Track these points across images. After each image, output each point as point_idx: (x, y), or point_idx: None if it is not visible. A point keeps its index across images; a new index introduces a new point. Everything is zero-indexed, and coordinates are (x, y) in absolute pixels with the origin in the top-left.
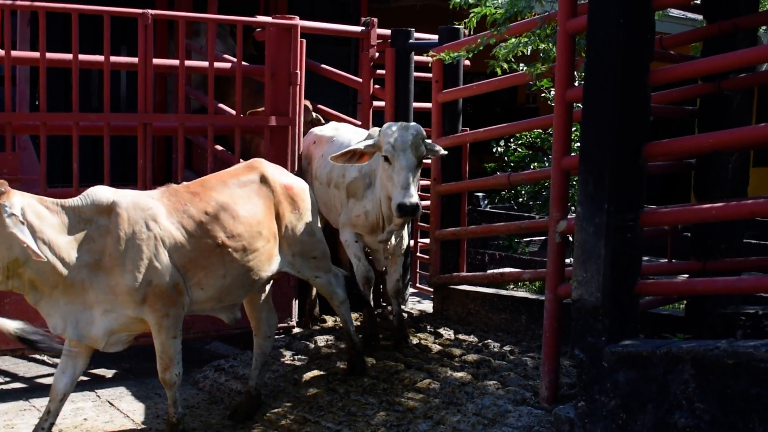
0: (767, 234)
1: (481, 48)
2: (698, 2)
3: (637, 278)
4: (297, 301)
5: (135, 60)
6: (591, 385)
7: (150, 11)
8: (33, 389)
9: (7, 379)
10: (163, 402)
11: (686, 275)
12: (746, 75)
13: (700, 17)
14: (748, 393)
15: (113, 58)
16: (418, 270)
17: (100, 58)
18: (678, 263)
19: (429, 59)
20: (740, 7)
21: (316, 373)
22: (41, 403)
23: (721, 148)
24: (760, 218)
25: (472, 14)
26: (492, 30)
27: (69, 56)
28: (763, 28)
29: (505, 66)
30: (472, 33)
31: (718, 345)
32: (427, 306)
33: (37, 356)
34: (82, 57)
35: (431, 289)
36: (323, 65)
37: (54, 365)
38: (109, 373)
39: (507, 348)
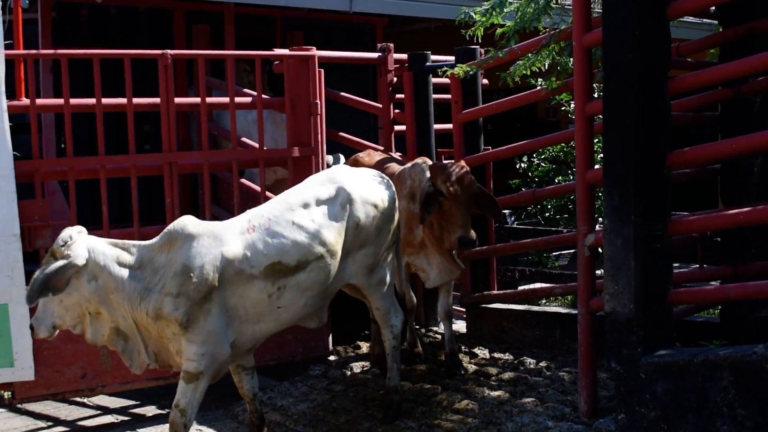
0: None
1: (491, 62)
2: (713, 9)
3: (668, 287)
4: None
5: (157, 100)
6: (630, 397)
7: (169, 51)
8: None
9: (50, 423)
10: None
11: (718, 281)
12: (766, 78)
13: (716, 21)
14: None
15: (136, 100)
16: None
17: (123, 100)
18: (709, 269)
19: (447, 80)
20: (756, 10)
21: (353, 400)
22: None
23: (744, 153)
24: None
25: (478, 23)
26: (502, 42)
27: (92, 101)
28: None
29: (518, 79)
30: (479, 44)
31: (756, 350)
32: (461, 326)
33: (78, 399)
34: (105, 101)
35: (463, 309)
36: (342, 93)
37: (93, 406)
38: (149, 411)
39: (543, 364)
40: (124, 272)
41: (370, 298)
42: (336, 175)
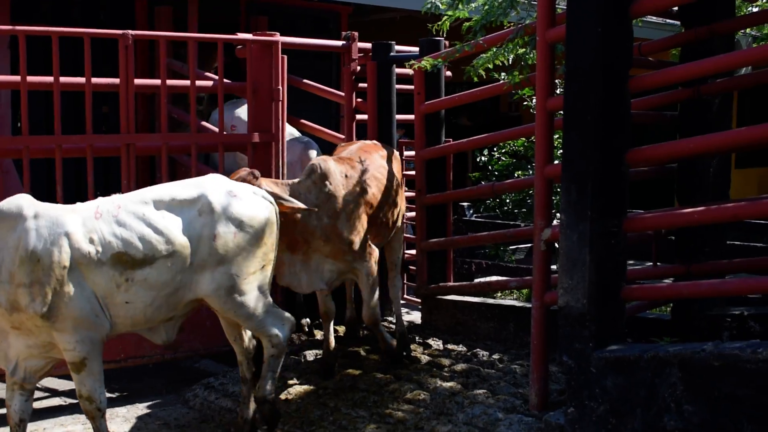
0: (751, 235)
1: (457, 55)
2: (675, 9)
3: (622, 284)
4: None
5: (116, 81)
6: (580, 391)
7: (130, 32)
8: None
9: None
10: (153, 422)
11: (671, 279)
12: (724, 79)
13: (679, 23)
14: (735, 394)
15: (94, 80)
16: (405, 281)
17: (82, 80)
18: (663, 267)
19: (410, 71)
20: (717, 12)
21: (305, 388)
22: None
23: (701, 153)
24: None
25: (444, 17)
26: (468, 37)
27: (50, 79)
28: (740, 32)
29: (482, 73)
30: (445, 37)
31: (705, 347)
32: (416, 317)
33: None
34: (63, 79)
35: (419, 300)
36: (305, 80)
37: (42, 388)
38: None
39: (496, 356)
40: None
41: (234, 319)
42: (205, 182)
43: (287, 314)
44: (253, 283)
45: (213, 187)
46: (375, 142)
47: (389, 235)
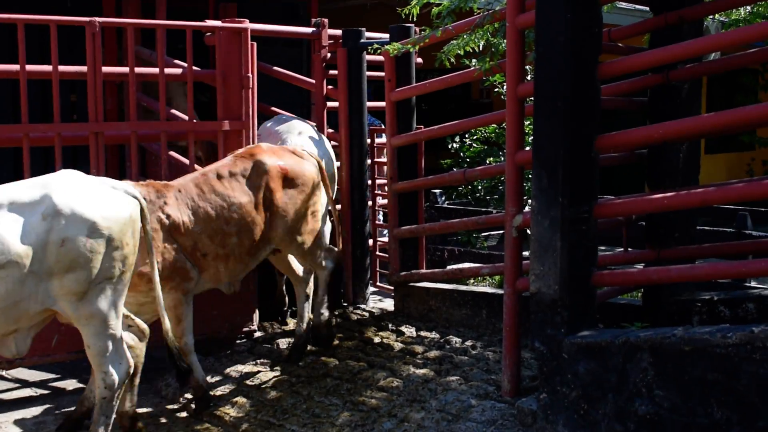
0: (720, 221)
1: (427, 40)
2: None
3: (593, 269)
4: (258, 306)
5: (84, 69)
6: (552, 377)
7: (98, 19)
8: None
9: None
10: None
11: (642, 264)
12: (693, 65)
13: (648, 8)
14: (705, 379)
15: (62, 68)
16: (378, 269)
17: (48, 68)
18: (633, 253)
19: (381, 58)
20: None
21: (279, 376)
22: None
23: (670, 138)
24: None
25: (414, 2)
26: (437, 22)
27: (16, 67)
28: (709, 18)
29: (453, 59)
30: (415, 23)
31: (675, 332)
32: (388, 304)
33: None
34: (29, 67)
35: (392, 288)
36: (275, 67)
37: (12, 379)
38: (70, 384)
39: (469, 343)
40: None
41: (80, 331)
42: (52, 181)
43: (128, 354)
44: (110, 289)
45: (60, 186)
46: (284, 147)
47: (248, 261)
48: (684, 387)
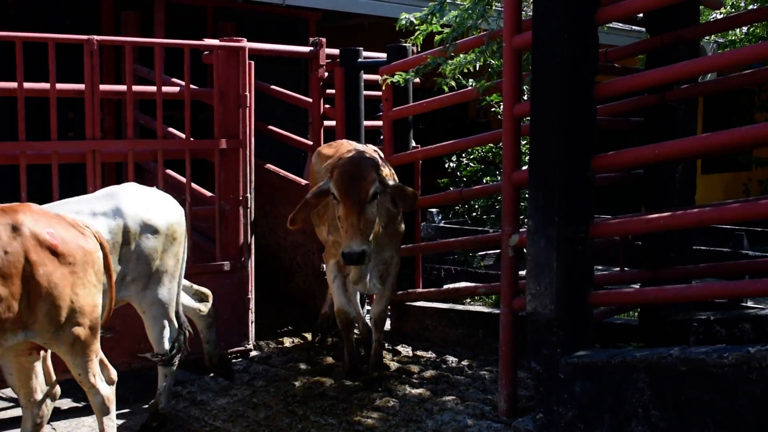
0: (717, 240)
1: (431, 68)
2: (641, 16)
3: (589, 289)
4: (254, 324)
5: (82, 87)
6: (548, 397)
7: (96, 37)
8: None
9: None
10: None
11: (638, 284)
12: (689, 86)
13: (644, 29)
14: (702, 399)
15: (59, 86)
16: None
17: (46, 86)
18: (630, 272)
19: (378, 77)
20: (682, 19)
21: (274, 395)
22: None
23: (666, 158)
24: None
25: (418, 32)
26: (440, 48)
27: (14, 85)
28: (705, 39)
29: (453, 83)
30: (419, 50)
31: (671, 352)
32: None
33: None
34: (27, 85)
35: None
36: (273, 86)
37: (6, 398)
38: (64, 404)
39: (465, 363)
40: None
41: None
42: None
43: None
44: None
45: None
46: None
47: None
48: (680, 407)
